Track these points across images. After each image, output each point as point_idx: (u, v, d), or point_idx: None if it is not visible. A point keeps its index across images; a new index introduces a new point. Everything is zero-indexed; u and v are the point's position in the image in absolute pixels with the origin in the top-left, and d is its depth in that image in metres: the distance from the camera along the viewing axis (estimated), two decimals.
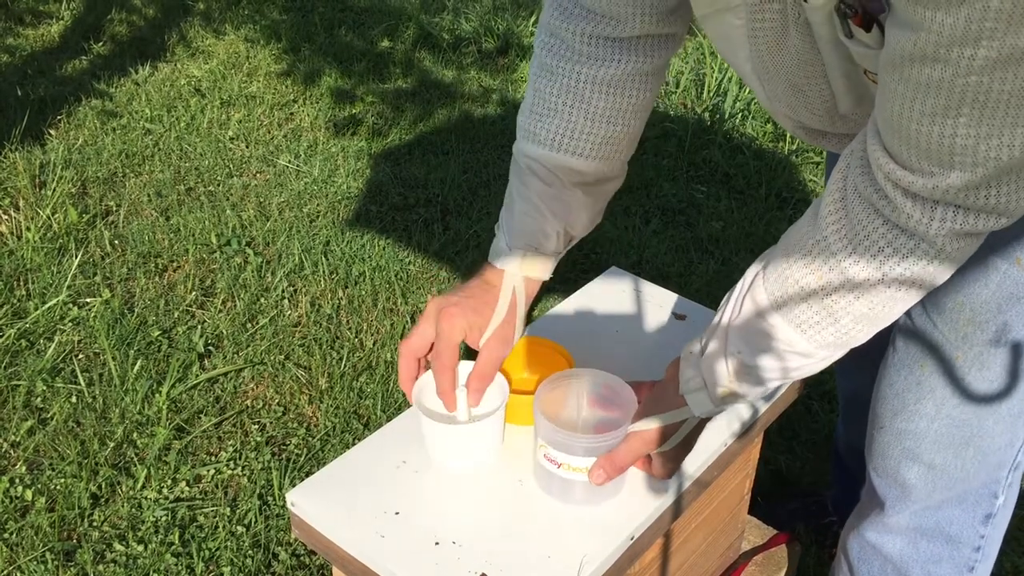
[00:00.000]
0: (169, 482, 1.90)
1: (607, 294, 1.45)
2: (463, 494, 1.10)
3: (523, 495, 1.09)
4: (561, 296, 2.06)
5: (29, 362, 2.19)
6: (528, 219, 1.11)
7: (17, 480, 1.89)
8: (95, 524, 1.81)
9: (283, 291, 2.48)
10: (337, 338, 2.34)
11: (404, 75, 3.85)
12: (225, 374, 2.19)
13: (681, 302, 1.44)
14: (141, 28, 4.21)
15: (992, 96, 0.68)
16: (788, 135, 3.28)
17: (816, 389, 2.19)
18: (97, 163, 3.06)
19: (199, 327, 2.33)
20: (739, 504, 1.47)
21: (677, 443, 1.03)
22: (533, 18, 4.22)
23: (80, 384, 2.13)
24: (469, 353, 1.12)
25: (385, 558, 1.01)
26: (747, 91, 3.52)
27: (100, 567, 1.72)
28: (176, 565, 1.73)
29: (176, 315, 2.38)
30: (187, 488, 1.89)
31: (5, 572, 1.71)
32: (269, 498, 1.87)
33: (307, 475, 1.88)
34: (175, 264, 2.59)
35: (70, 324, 2.32)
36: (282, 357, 2.25)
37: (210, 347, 2.28)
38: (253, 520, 1.82)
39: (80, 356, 2.23)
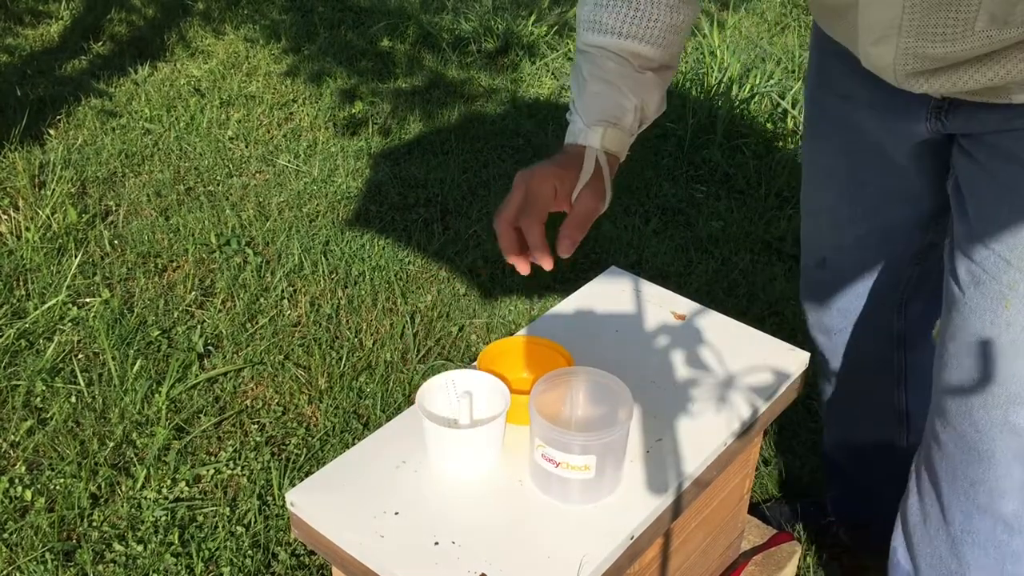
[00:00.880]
0: (169, 482, 1.90)
1: (607, 294, 1.45)
2: (463, 494, 1.09)
3: (523, 495, 1.09)
4: (561, 296, 2.06)
5: (29, 362, 2.18)
6: (605, 97, 1.16)
7: (17, 480, 1.89)
8: (95, 524, 1.81)
9: (283, 291, 2.48)
10: (337, 338, 2.33)
11: (404, 75, 3.85)
12: (225, 374, 2.19)
13: (681, 302, 1.44)
14: (140, 28, 4.20)
15: None
16: (788, 135, 3.28)
17: (816, 389, 2.18)
18: (97, 163, 3.06)
19: (199, 327, 2.33)
20: (739, 504, 1.47)
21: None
22: (533, 18, 4.22)
23: (80, 384, 2.13)
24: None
25: (385, 558, 1.01)
26: (746, 90, 3.52)
27: (100, 567, 1.72)
28: (176, 565, 1.73)
29: (176, 315, 2.38)
30: (187, 488, 1.88)
31: (5, 572, 1.70)
32: (269, 498, 1.87)
33: (307, 475, 1.88)
34: (175, 264, 2.59)
35: (70, 324, 2.32)
36: (282, 357, 2.25)
37: (210, 347, 2.27)
38: (253, 520, 1.82)
39: (80, 356, 2.23)
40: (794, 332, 2.38)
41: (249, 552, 1.76)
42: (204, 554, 1.75)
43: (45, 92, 3.52)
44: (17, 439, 1.99)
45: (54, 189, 2.84)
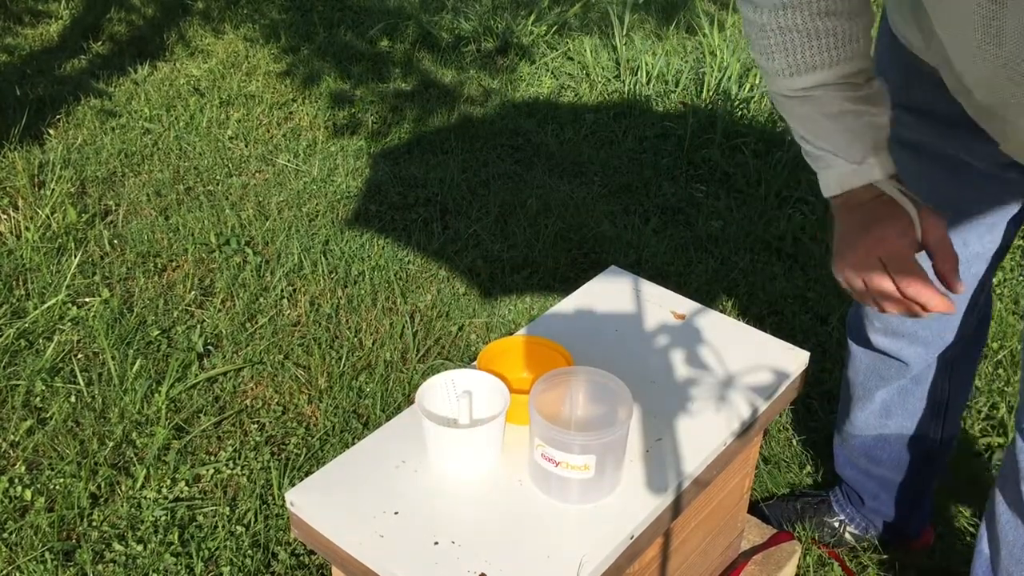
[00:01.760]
0: (168, 482, 1.90)
1: (607, 293, 1.45)
2: (463, 494, 1.09)
3: (523, 495, 1.09)
4: (561, 295, 2.06)
5: (28, 362, 2.18)
6: (857, 127, 1.07)
7: (16, 480, 1.88)
8: (94, 524, 1.81)
9: (282, 290, 2.48)
10: (336, 337, 2.33)
11: (403, 75, 3.85)
12: (224, 374, 2.19)
13: (680, 301, 1.44)
14: (140, 28, 4.20)
15: None
16: (787, 136, 3.28)
17: (816, 389, 2.19)
18: (96, 163, 3.06)
19: (198, 327, 2.33)
20: (738, 503, 1.47)
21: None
22: (532, 17, 4.22)
23: (79, 384, 2.13)
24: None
25: (385, 558, 1.01)
26: (746, 90, 3.52)
27: (99, 567, 1.72)
28: (175, 565, 1.73)
29: (175, 315, 2.38)
30: (186, 488, 1.88)
31: (5, 572, 1.70)
32: (268, 498, 1.87)
33: (306, 475, 1.88)
34: (174, 264, 2.59)
35: (69, 324, 2.32)
36: (281, 356, 2.25)
37: (209, 347, 2.27)
38: (252, 520, 1.82)
39: (79, 356, 2.23)
40: (794, 332, 2.38)
41: (249, 552, 1.76)
42: (204, 554, 1.75)
43: (45, 92, 3.52)
44: (17, 439, 1.99)
45: (54, 189, 2.83)
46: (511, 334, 1.37)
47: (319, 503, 1.08)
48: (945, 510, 1.87)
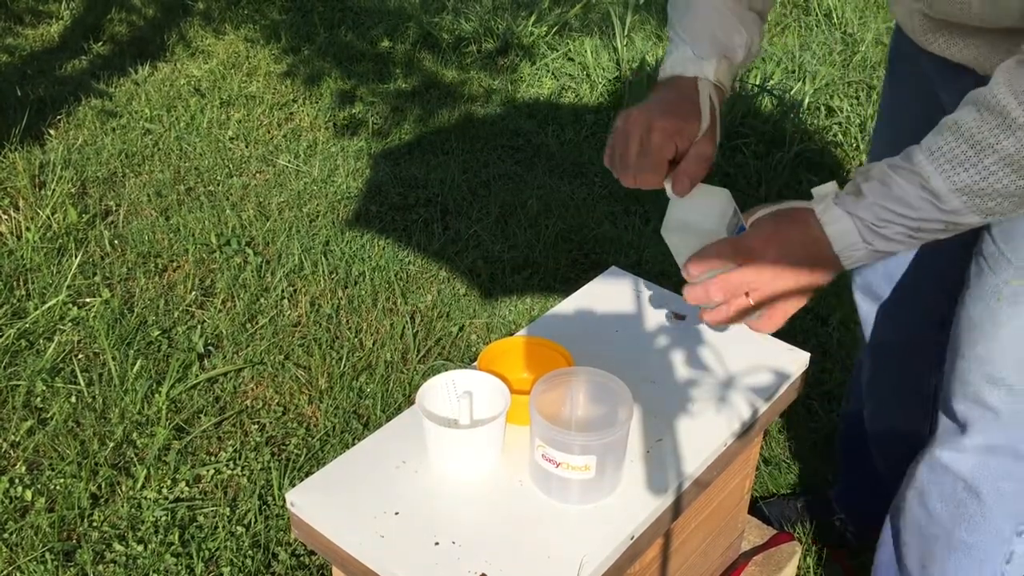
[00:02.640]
0: (169, 482, 1.90)
1: (607, 294, 1.45)
2: (463, 494, 1.09)
3: (523, 495, 1.09)
4: (561, 296, 2.06)
5: (29, 362, 2.18)
6: (717, 28, 1.12)
7: (17, 480, 1.89)
8: (95, 524, 1.81)
9: (283, 291, 2.48)
10: (337, 338, 2.33)
11: (404, 75, 3.85)
12: (225, 374, 2.19)
13: (681, 302, 1.43)
14: (141, 28, 4.20)
15: None
16: (787, 136, 3.28)
17: (816, 389, 2.19)
18: (97, 163, 3.06)
19: (199, 327, 2.33)
20: (739, 504, 1.47)
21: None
22: (533, 18, 4.22)
23: (80, 384, 2.13)
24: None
25: (385, 558, 1.01)
26: (746, 90, 3.52)
27: (100, 567, 1.72)
28: (176, 565, 1.73)
29: (176, 315, 2.38)
30: (187, 488, 1.88)
31: (5, 572, 1.70)
32: (269, 498, 1.87)
33: (307, 475, 1.88)
34: (175, 264, 2.59)
35: (70, 324, 2.32)
36: (282, 357, 2.25)
37: (210, 347, 2.28)
38: (253, 520, 1.82)
39: (80, 356, 2.23)
40: (794, 333, 2.38)
41: (249, 552, 1.76)
42: (204, 554, 1.75)
43: (45, 92, 3.52)
44: (17, 439, 1.99)
45: (54, 189, 2.84)
46: (511, 334, 1.37)
47: (319, 503, 1.08)
48: None
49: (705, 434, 1.18)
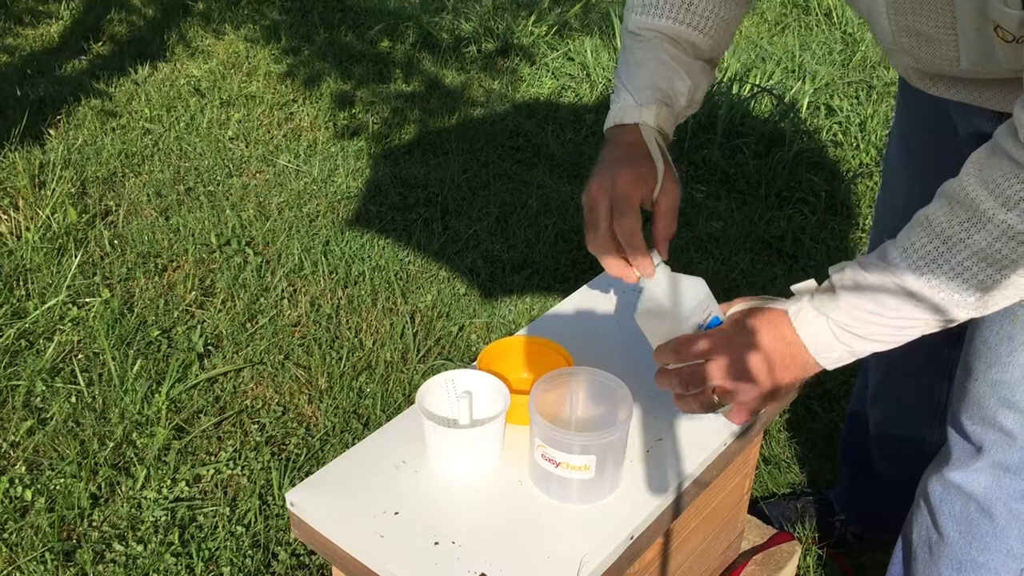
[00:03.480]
0: (169, 482, 1.90)
1: (607, 294, 1.45)
2: (463, 494, 1.09)
3: (523, 495, 1.09)
4: (561, 296, 2.06)
5: (29, 362, 2.18)
6: (659, 77, 1.15)
7: (17, 480, 1.89)
8: (95, 524, 1.81)
9: (283, 291, 2.48)
10: (337, 338, 2.33)
11: (404, 75, 3.85)
12: (225, 374, 2.19)
13: None
14: (140, 28, 4.20)
15: None
16: (787, 136, 3.28)
17: (816, 389, 2.19)
18: (96, 163, 3.06)
19: (199, 327, 2.33)
20: (739, 504, 1.47)
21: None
22: (533, 18, 4.22)
23: (80, 384, 2.13)
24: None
25: (385, 558, 1.01)
26: (747, 90, 3.53)
27: (100, 567, 1.72)
28: (176, 565, 1.73)
29: (176, 315, 2.38)
30: (187, 488, 1.88)
31: (5, 572, 1.70)
32: (269, 498, 1.87)
33: (307, 475, 1.88)
34: (175, 264, 2.59)
35: (70, 324, 2.32)
36: (282, 357, 2.25)
37: (210, 347, 2.27)
38: (253, 520, 1.82)
39: (80, 356, 2.23)
40: None
41: (249, 552, 1.76)
42: (204, 554, 1.75)
43: (45, 92, 3.52)
44: (17, 439, 1.99)
45: (54, 189, 2.84)
46: (511, 334, 1.37)
47: (319, 503, 1.08)
48: None
49: (705, 434, 1.18)
